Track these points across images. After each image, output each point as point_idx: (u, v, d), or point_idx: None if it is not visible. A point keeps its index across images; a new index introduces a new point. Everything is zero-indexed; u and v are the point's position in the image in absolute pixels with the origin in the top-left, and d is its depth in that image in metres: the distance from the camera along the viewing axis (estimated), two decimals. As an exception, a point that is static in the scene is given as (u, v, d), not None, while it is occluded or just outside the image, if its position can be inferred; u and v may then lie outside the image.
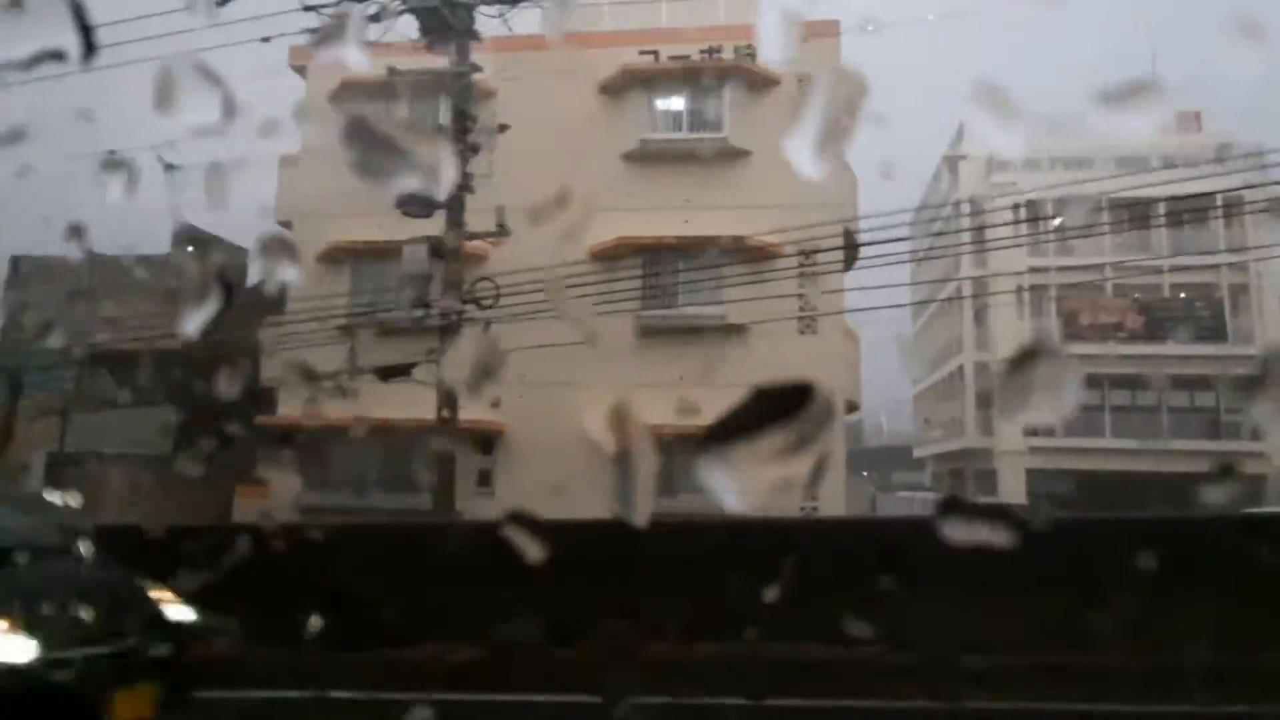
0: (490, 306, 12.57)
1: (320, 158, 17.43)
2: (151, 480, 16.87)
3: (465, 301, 12.53)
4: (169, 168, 17.41)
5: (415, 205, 12.46)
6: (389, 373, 12.76)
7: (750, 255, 15.94)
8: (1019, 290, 33.51)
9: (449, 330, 12.31)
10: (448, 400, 12.10)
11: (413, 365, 12.45)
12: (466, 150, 12.43)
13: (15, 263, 21.05)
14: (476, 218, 14.11)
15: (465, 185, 12.64)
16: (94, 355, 17.22)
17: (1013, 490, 32.78)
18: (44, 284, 20.56)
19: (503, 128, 12.53)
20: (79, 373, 17.44)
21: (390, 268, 17.16)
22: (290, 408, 16.93)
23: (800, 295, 15.93)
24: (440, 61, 15.22)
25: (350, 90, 17.13)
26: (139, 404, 16.86)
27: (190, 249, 19.40)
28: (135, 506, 16.39)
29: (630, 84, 17.04)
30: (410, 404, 15.97)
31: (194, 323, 1.88)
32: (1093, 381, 34.13)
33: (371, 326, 16.16)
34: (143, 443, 16.49)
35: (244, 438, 17.37)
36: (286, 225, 18.11)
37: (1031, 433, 34.33)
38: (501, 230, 12.68)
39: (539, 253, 14.03)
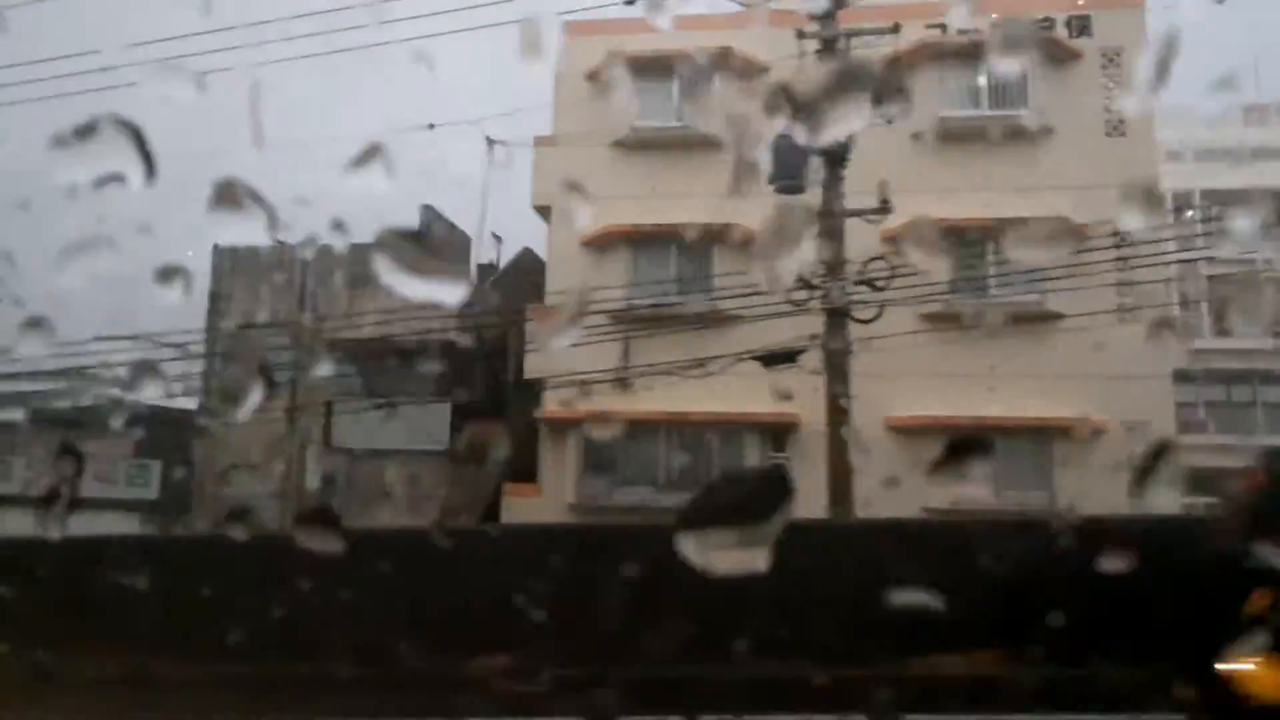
0: (884, 289, 11.67)
1: (585, 137, 16.57)
2: (419, 477, 16.01)
3: (858, 282, 11.63)
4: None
5: (792, 179, 11.58)
6: (773, 359, 11.86)
7: (1068, 238, 15.05)
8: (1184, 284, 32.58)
9: (837, 314, 11.40)
10: (838, 391, 11.18)
11: (799, 351, 11.55)
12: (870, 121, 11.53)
13: (217, 252, 20.17)
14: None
15: (843, 159, 11.76)
16: (349, 348, 16.33)
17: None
18: (258, 275, 19.70)
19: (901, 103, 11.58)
20: (335, 367, 16.56)
21: (674, 252, 16.34)
22: (558, 402, 16.03)
23: (1125, 283, 15.03)
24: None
25: (623, 65, 16.22)
26: (401, 398, 15.97)
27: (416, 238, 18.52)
28: (415, 505, 15.53)
29: (923, 60, 16.14)
30: (705, 397, 15.14)
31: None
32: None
33: (663, 315, 15.32)
34: (415, 438, 15.60)
35: (511, 433, 16.51)
36: (544, 210, 17.23)
37: (1183, 429, 33.49)
38: (884, 206, 11.79)
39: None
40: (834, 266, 11.51)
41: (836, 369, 11.26)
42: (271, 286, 19.50)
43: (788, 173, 11.64)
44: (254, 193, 1.68)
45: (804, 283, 11.52)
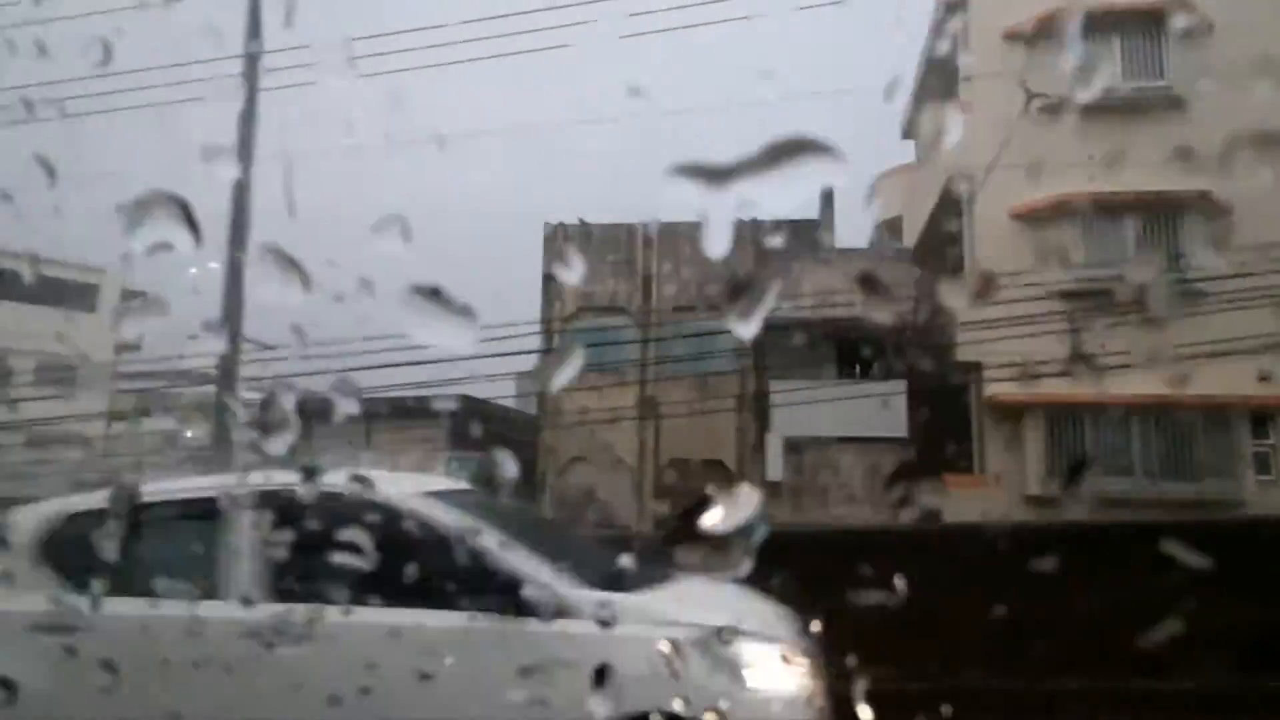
0: None
1: (1009, 98, 15.33)
2: (879, 467, 14.85)
3: None
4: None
5: None
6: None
7: None
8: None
9: None
10: None
11: None
12: None
13: (549, 229, 19.01)
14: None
15: None
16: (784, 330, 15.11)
17: None
18: (596, 254, 18.54)
19: None
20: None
21: (1129, 224, 15.15)
22: (1000, 386, 14.82)
23: None
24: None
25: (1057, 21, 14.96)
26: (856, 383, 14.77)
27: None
28: (875, 498, 14.36)
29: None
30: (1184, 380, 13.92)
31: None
32: None
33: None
34: (871, 427, 14.38)
35: (951, 420, 15.34)
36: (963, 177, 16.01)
37: None
38: None
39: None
40: None
41: None
42: (611, 266, 18.37)
43: None
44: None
45: None
